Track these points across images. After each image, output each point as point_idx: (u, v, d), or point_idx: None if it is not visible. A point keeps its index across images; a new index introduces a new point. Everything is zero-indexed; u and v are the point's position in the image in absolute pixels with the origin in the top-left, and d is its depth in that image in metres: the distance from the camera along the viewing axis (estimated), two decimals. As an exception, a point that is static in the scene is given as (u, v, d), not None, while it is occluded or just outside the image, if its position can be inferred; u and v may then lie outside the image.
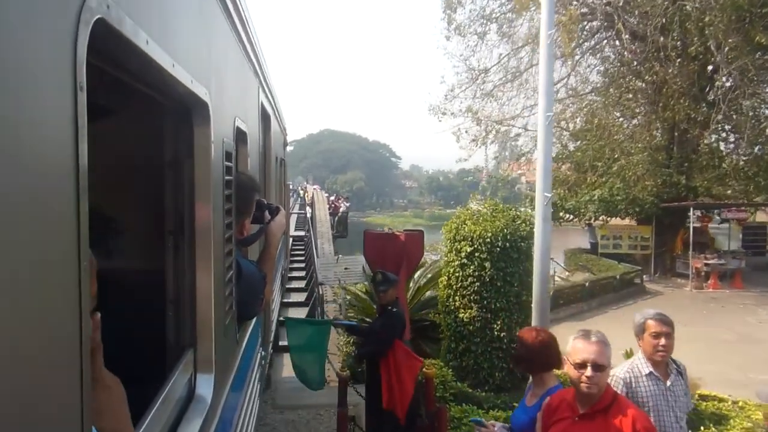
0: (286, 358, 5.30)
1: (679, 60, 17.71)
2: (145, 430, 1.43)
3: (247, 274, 2.61)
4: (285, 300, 9.87)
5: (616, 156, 19.96)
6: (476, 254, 7.93)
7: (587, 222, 23.81)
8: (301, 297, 10.43)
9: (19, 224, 0.70)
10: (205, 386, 1.99)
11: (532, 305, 6.23)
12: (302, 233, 18.53)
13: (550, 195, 5.77)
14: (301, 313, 9.16)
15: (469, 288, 7.97)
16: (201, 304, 1.94)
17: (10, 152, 0.67)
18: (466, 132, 23.09)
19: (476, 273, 7.89)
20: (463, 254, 8.05)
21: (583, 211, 21.65)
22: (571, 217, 23.79)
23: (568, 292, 16.06)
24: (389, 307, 5.29)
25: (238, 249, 2.63)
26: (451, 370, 7.25)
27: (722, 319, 14.29)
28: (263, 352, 4.79)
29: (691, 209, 19.30)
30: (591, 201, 20.79)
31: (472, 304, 7.96)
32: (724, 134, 20.85)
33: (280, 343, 7.88)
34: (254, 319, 3.43)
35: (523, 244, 7.92)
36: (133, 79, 1.41)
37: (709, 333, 12.59)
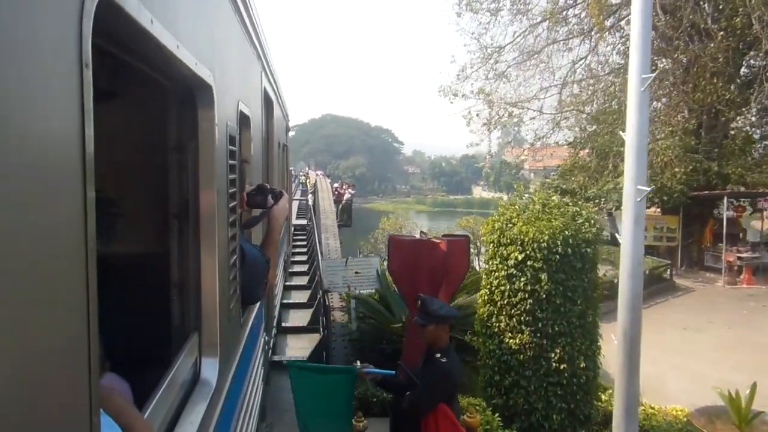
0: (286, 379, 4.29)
1: (721, 33, 15.92)
2: (150, 413, 1.43)
3: (251, 258, 2.61)
4: (288, 283, 9.91)
5: None
6: (528, 263, 6.27)
7: (608, 211, 22.21)
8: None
9: (24, 209, 0.69)
10: (209, 369, 2.00)
11: (618, 337, 4.58)
12: (304, 221, 17.77)
13: (646, 189, 4.37)
14: (302, 317, 8.40)
15: (518, 306, 6.31)
16: (205, 288, 1.94)
17: (14, 132, 0.66)
18: (477, 115, 21.40)
19: (528, 287, 6.25)
20: (510, 262, 6.38)
21: (604, 199, 19.97)
22: (591, 206, 22.55)
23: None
24: (437, 355, 3.79)
25: (241, 233, 2.63)
26: (494, 410, 5.99)
27: (766, 320, 12.94)
28: (267, 337, 4.81)
29: (725, 198, 18.03)
30: (615, 189, 18.47)
31: (523, 327, 6.28)
32: (758, 117, 19.55)
33: (283, 324, 7.87)
34: (258, 303, 3.44)
35: (588, 249, 6.33)
36: (137, 60, 1.40)
37: (755, 337, 11.28)
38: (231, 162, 2.23)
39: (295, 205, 19.97)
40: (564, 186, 21.26)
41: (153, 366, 1.70)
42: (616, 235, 23.24)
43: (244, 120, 2.91)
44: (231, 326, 2.33)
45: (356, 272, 8.21)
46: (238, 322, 2.60)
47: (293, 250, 11.97)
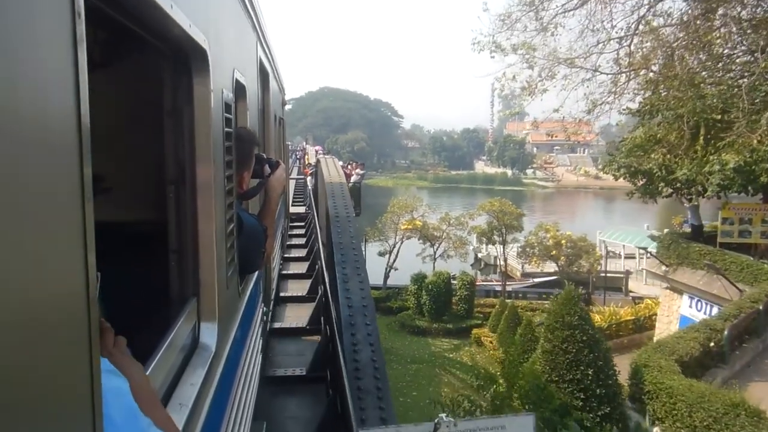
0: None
1: None
2: (151, 373, 1.46)
3: (249, 227, 2.63)
4: (286, 255, 9.95)
5: (754, 104, 12.61)
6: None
7: (689, 198, 19.02)
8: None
9: (13, 174, 0.66)
10: (208, 335, 2.03)
11: None
12: (302, 209, 15.07)
13: None
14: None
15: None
16: (203, 254, 1.96)
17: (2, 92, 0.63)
18: (514, 78, 16.61)
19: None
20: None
21: (701, 181, 15.81)
22: (670, 191, 18.69)
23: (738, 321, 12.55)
24: None
25: (239, 202, 2.64)
26: None
27: None
28: (265, 308, 4.86)
29: None
30: (724, 169, 14.67)
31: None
32: None
33: (281, 294, 7.79)
34: (256, 274, 3.46)
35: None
36: (129, 19, 1.39)
37: None
38: (227, 130, 2.23)
39: (292, 183, 18.00)
40: (637, 165, 17.96)
41: (152, 330, 1.72)
42: (702, 225, 19.36)
43: (240, 89, 2.90)
44: (229, 293, 2.36)
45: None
46: (237, 291, 2.62)
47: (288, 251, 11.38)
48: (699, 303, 17.77)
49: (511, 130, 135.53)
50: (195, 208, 1.92)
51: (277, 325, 6.70)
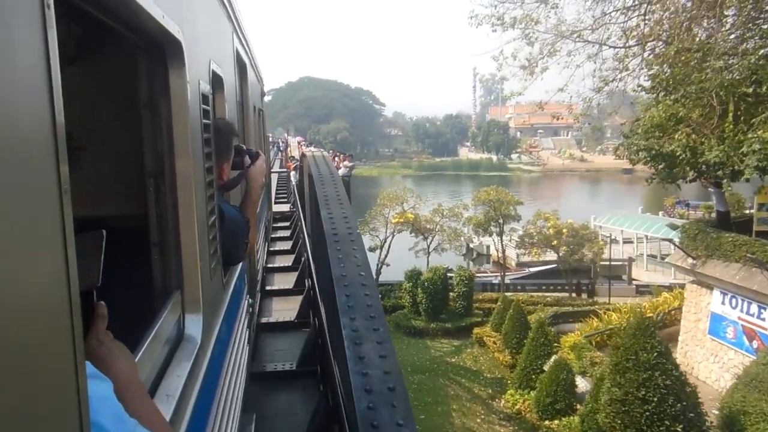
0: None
1: None
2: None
3: (230, 219, 2.63)
4: (271, 249, 9.93)
5: None
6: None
7: (716, 181, 17.15)
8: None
9: None
10: (193, 326, 2.04)
11: None
12: (286, 207, 14.01)
13: None
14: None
15: None
16: (186, 247, 1.97)
17: None
18: (513, 56, 15.55)
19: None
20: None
21: (734, 163, 13.95)
22: (694, 175, 16.40)
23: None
24: None
25: (220, 194, 2.64)
26: None
27: None
28: (251, 299, 4.86)
29: None
30: (765, 148, 12.97)
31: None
32: None
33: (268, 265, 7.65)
34: (240, 266, 3.47)
35: None
36: (103, 12, 1.38)
37: None
38: (205, 121, 2.22)
39: (274, 177, 17.04)
40: (658, 148, 16.10)
41: (137, 323, 1.72)
42: (728, 212, 17.52)
43: (217, 81, 2.88)
44: (213, 285, 2.36)
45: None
46: (221, 282, 2.63)
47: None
48: (734, 299, 16.26)
49: (494, 114, 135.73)
50: (175, 200, 1.93)
51: (264, 319, 6.67)
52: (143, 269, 2.00)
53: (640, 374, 10.22)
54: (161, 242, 1.98)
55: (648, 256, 37.25)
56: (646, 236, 36.36)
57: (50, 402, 0.77)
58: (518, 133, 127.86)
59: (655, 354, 10.37)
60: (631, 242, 39.10)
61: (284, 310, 7.15)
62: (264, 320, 6.62)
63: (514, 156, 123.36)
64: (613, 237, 35.95)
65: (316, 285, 6.32)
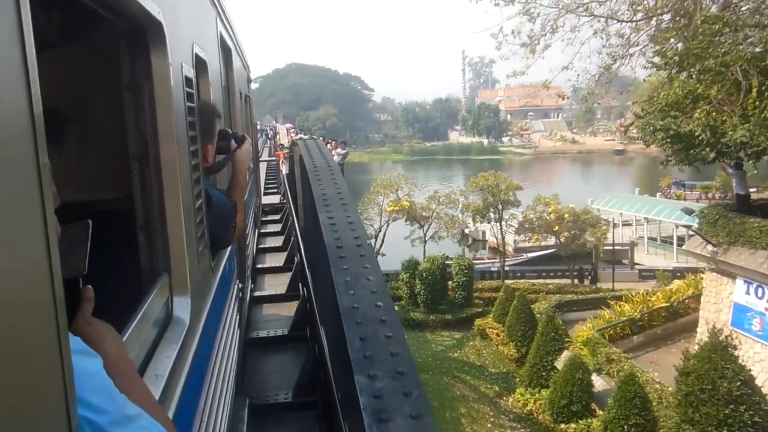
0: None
1: None
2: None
3: (217, 203, 2.64)
4: (262, 231, 9.94)
5: None
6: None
7: (737, 162, 16.11)
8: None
9: None
10: (182, 308, 2.05)
11: None
12: (276, 199, 13.53)
13: None
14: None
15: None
16: (172, 230, 1.98)
17: None
18: (513, 34, 15.06)
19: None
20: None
21: (761, 143, 12.80)
22: (713, 156, 14.76)
23: None
24: None
25: (206, 178, 2.64)
26: None
27: None
28: (240, 284, 4.87)
29: None
30: None
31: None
32: None
33: (258, 266, 7.81)
34: (229, 250, 3.48)
35: None
36: None
37: None
38: (189, 104, 2.22)
39: (263, 166, 16.38)
40: (676, 128, 14.74)
41: (125, 306, 1.74)
42: (748, 195, 16.48)
43: (200, 64, 2.87)
44: (201, 268, 2.38)
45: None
46: (209, 266, 2.64)
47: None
48: (760, 289, 15.06)
49: (484, 98, 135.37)
50: (160, 183, 1.93)
51: (257, 293, 6.78)
52: (130, 252, 2.01)
53: (720, 409, 8.14)
54: (147, 225, 1.99)
55: (648, 238, 36.63)
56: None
57: (32, 379, 0.75)
58: (509, 116, 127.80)
59: (738, 383, 8.32)
60: (630, 225, 38.21)
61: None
62: (257, 294, 6.82)
63: (505, 139, 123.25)
64: (612, 220, 35.40)
65: (305, 261, 6.47)
